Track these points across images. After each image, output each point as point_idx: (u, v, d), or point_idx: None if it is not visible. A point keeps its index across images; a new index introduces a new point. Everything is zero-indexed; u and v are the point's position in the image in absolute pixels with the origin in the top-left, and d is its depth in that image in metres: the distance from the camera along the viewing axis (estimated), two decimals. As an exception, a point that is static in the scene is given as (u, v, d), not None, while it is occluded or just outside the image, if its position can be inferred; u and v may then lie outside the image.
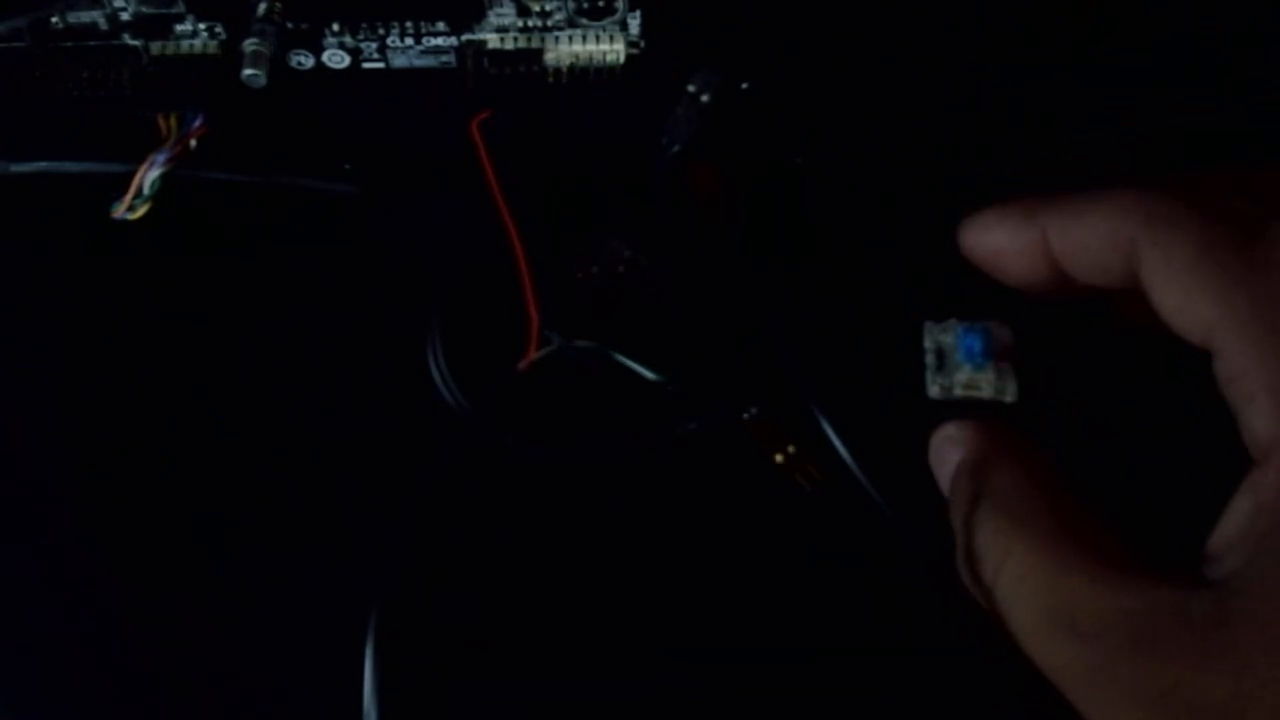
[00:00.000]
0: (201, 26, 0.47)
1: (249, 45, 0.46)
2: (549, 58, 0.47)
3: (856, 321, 0.47)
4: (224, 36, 0.47)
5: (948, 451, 0.38)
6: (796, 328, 0.47)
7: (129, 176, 0.46)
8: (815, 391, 0.45)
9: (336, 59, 0.48)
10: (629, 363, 0.46)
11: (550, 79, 0.48)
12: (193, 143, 0.47)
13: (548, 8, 0.47)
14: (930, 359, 0.44)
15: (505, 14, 0.47)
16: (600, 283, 0.47)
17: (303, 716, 0.43)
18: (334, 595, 0.44)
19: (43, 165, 0.48)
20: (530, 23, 0.47)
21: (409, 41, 0.47)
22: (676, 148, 0.48)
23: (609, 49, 0.47)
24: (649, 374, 0.45)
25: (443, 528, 0.45)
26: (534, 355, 0.46)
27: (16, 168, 0.48)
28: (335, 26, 0.47)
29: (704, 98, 0.47)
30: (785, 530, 0.45)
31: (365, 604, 0.44)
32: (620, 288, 0.47)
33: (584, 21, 0.47)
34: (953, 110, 0.50)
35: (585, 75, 0.48)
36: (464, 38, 0.47)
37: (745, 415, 0.45)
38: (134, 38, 0.47)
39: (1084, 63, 0.49)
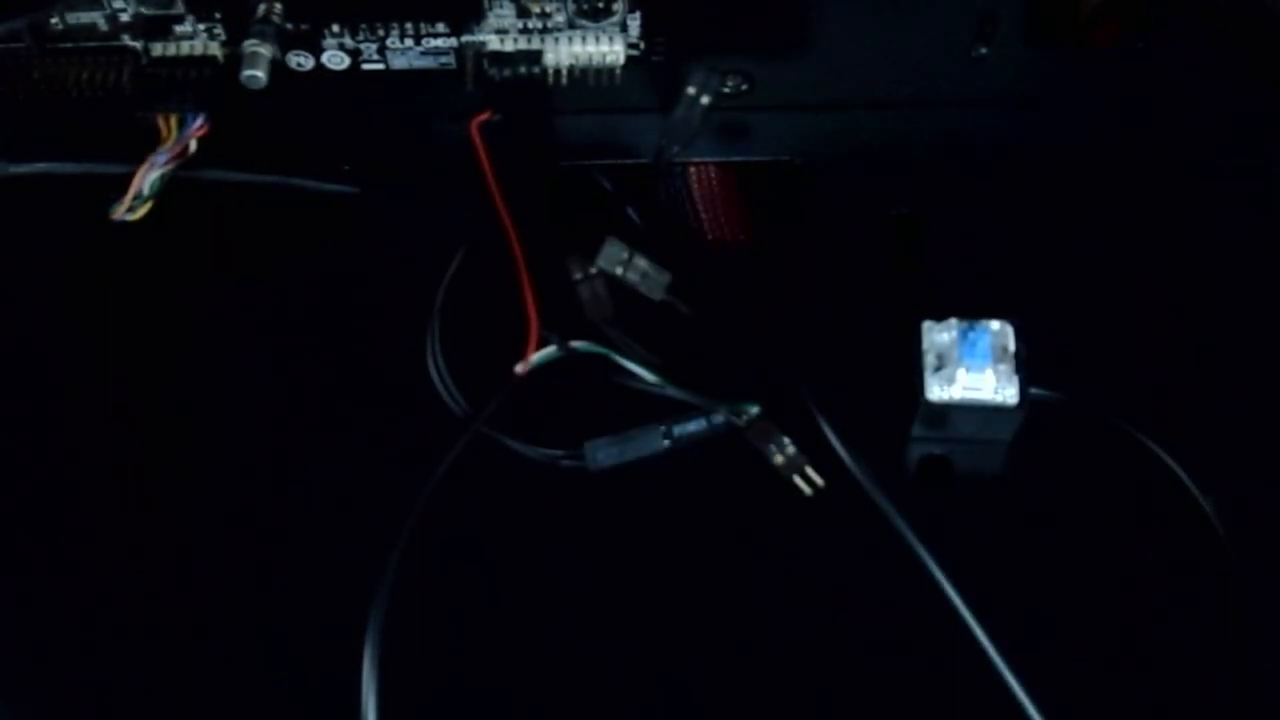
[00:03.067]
0: (201, 27, 0.47)
1: (248, 46, 0.46)
2: (548, 59, 0.48)
3: (856, 321, 0.47)
4: (223, 37, 0.47)
5: None
6: (796, 328, 0.47)
7: (129, 177, 0.46)
8: (813, 391, 0.45)
9: (336, 60, 0.48)
10: (628, 364, 0.46)
11: (550, 80, 0.48)
12: (192, 143, 0.47)
13: (547, 9, 0.47)
14: (930, 359, 0.44)
15: (505, 15, 0.47)
16: (601, 283, 0.47)
17: (300, 717, 0.43)
18: (333, 596, 0.44)
19: (43, 166, 0.48)
20: (530, 24, 0.47)
21: (409, 43, 0.47)
22: (676, 149, 0.48)
23: (608, 50, 0.47)
24: (648, 375, 0.45)
25: (444, 526, 0.45)
26: (532, 358, 0.46)
27: (16, 168, 0.48)
28: (335, 27, 0.47)
29: (703, 99, 0.47)
30: (785, 532, 0.45)
31: (364, 606, 0.44)
32: (621, 288, 0.47)
33: (583, 23, 0.47)
34: (954, 107, 0.50)
35: (585, 76, 0.48)
36: (464, 39, 0.47)
37: (744, 416, 0.45)
38: (134, 39, 0.47)
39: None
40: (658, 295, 0.47)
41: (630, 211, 0.49)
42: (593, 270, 0.47)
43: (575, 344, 0.46)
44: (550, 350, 0.46)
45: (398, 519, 0.45)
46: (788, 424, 0.45)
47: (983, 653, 0.42)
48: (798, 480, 0.45)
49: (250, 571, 0.45)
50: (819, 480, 0.45)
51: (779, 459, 0.45)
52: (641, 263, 0.47)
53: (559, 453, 0.45)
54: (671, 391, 0.45)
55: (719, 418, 0.45)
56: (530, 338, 0.46)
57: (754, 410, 0.45)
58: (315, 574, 0.45)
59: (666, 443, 0.45)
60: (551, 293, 0.47)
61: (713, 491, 0.45)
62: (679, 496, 0.45)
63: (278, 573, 0.44)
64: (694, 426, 0.45)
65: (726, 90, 0.49)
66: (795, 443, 0.45)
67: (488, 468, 0.45)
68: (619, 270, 0.47)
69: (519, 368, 0.46)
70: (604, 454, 0.45)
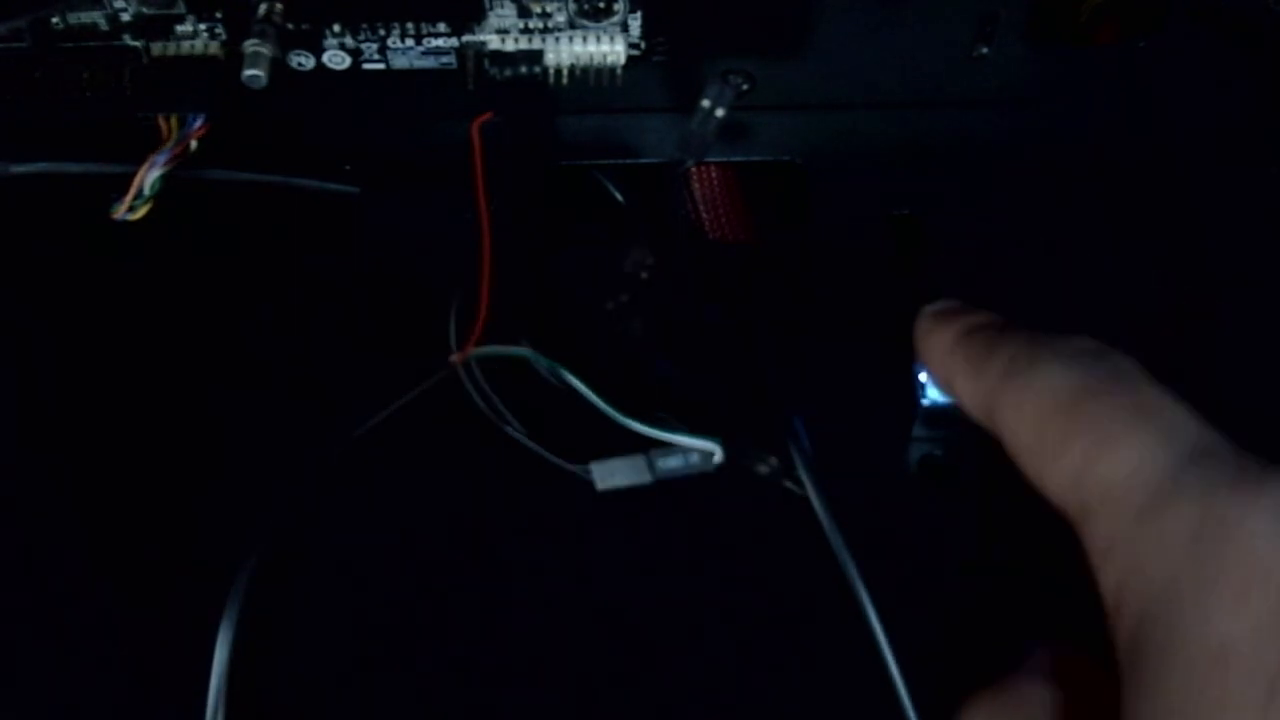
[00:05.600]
0: (202, 27, 0.47)
1: (249, 46, 0.46)
2: (549, 59, 0.48)
3: (857, 321, 0.47)
4: (224, 37, 0.47)
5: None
6: (797, 327, 0.48)
7: (129, 177, 0.46)
8: (794, 425, 0.45)
9: (337, 60, 0.48)
10: (583, 389, 0.45)
11: (551, 80, 0.48)
12: (193, 143, 0.47)
13: (548, 9, 0.47)
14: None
15: (506, 15, 0.47)
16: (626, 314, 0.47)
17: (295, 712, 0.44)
18: (332, 592, 0.44)
19: (43, 166, 0.48)
20: (531, 24, 0.47)
21: (409, 43, 0.47)
22: (690, 162, 0.48)
23: (609, 50, 0.47)
24: (604, 405, 0.45)
25: (448, 523, 0.46)
26: (471, 350, 0.45)
27: (16, 168, 0.47)
28: (336, 27, 0.47)
29: (718, 112, 0.47)
30: (781, 530, 0.45)
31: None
32: (646, 294, 0.47)
33: (584, 23, 0.47)
34: (954, 107, 0.50)
35: (585, 76, 0.48)
36: (464, 39, 0.47)
37: (712, 459, 0.45)
38: (134, 38, 0.47)
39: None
40: (682, 300, 0.47)
41: (644, 222, 0.48)
42: (623, 298, 0.46)
43: (532, 356, 0.46)
44: (492, 349, 0.46)
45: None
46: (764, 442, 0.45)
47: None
48: (788, 485, 0.45)
49: (248, 570, 0.45)
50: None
51: (763, 468, 0.45)
52: (665, 270, 0.46)
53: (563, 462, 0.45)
54: (630, 424, 0.45)
55: (694, 457, 0.45)
56: (475, 332, 0.45)
57: (717, 456, 0.45)
58: (315, 574, 0.45)
59: (649, 478, 0.45)
60: (551, 297, 0.47)
61: (711, 495, 0.45)
62: (673, 497, 0.45)
63: (276, 572, 0.44)
64: (675, 462, 0.45)
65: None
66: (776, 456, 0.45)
67: (490, 468, 0.46)
68: (643, 275, 0.46)
69: (454, 358, 0.45)
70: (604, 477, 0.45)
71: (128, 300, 0.49)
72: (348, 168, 0.51)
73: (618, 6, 0.46)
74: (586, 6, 0.46)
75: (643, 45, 0.48)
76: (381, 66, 0.48)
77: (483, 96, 0.48)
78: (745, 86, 0.49)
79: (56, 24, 0.47)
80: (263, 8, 0.46)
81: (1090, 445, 0.32)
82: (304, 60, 0.48)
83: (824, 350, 0.47)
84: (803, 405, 0.45)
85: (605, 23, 0.47)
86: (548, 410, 0.46)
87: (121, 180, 0.46)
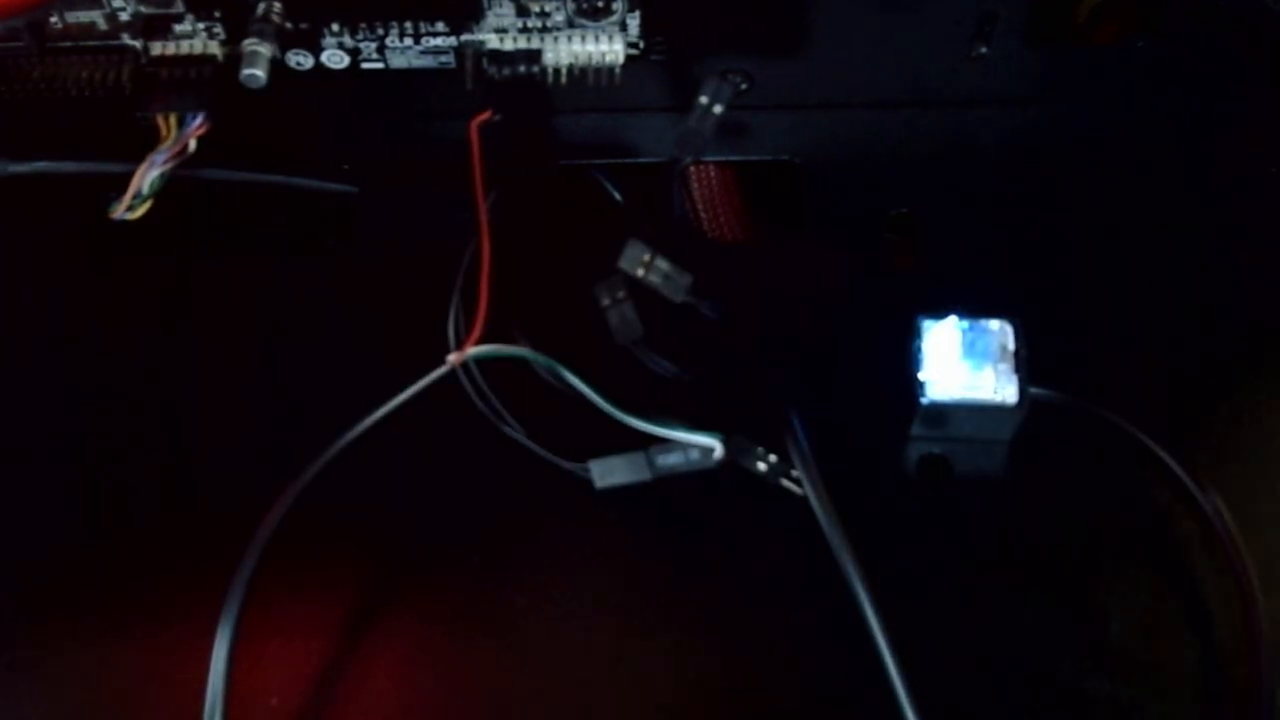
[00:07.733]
0: (200, 26, 0.47)
1: (248, 45, 0.46)
2: (548, 58, 0.47)
3: (856, 321, 0.47)
4: (223, 36, 0.47)
5: None
6: (796, 327, 0.48)
7: (128, 176, 0.46)
8: (796, 423, 0.45)
9: (335, 59, 0.48)
10: (583, 388, 0.45)
11: (549, 79, 0.48)
12: (192, 143, 0.47)
13: (547, 8, 0.47)
14: (929, 359, 0.44)
15: (504, 14, 0.47)
16: (629, 308, 0.47)
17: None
18: (332, 592, 0.44)
19: (42, 165, 0.48)
20: (529, 23, 0.47)
21: (408, 42, 0.47)
22: (689, 159, 0.48)
23: (608, 49, 0.47)
24: (603, 403, 0.45)
25: (446, 521, 0.46)
26: (469, 350, 0.45)
27: (16, 168, 0.47)
28: (334, 26, 0.47)
29: (716, 108, 0.47)
30: (778, 530, 0.45)
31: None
32: (643, 291, 0.47)
33: (583, 22, 0.47)
34: (954, 107, 0.50)
35: (584, 76, 0.48)
36: (463, 38, 0.47)
37: (713, 455, 0.45)
38: (133, 38, 0.47)
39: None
40: (679, 297, 0.47)
41: (642, 221, 0.48)
42: (620, 294, 0.46)
43: (530, 355, 0.46)
44: (491, 348, 0.46)
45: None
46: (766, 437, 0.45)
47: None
48: (786, 484, 0.45)
49: (248, 570, 0.45)
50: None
51: (762, 467, 0.45)
52: (663, 264, 0.46)
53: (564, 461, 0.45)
54: (631, 421, 0.45)
55: (695, 453, 0.45)
56: (474, 331, 0.45)
57: (718, 452, 0.45)
58: (314, 573, 0.45)
59: (648, 475, 0.45)
60: (549, 296, 0.47)
61: (711, 494, 0.45)
62: (673, 497, 0.45)
63: (273, 574, 0.44)
64: (675, 459, 0.45)
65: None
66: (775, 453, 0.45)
67: (490, 468, 0.46)
68: (640, 272, 0.46)
69: (453, 357, 0.45)
70: (603, 475, 0.45)
71: (128, 300, 0.49)
72: (347, 168, 0.51)
73: (616, 6, 0.46)
74: (585, 5, 0.46)
75: (641, 44, 0.48)
76: (380, 66, 0.48)
77: (481, 96, 0.48)
78: (744, 86, 0.49)
79: (55, 23, 0.47)
80: (261, 7, 0.46)
81: None
82: (303, 60, 0.48)
83: (824, 350, 0.47)
84: (802, 404, 0.45)
85: (604, 22, 0.47)
86: (547, 409, 0.46)
87: (121, 180, 0.46)
